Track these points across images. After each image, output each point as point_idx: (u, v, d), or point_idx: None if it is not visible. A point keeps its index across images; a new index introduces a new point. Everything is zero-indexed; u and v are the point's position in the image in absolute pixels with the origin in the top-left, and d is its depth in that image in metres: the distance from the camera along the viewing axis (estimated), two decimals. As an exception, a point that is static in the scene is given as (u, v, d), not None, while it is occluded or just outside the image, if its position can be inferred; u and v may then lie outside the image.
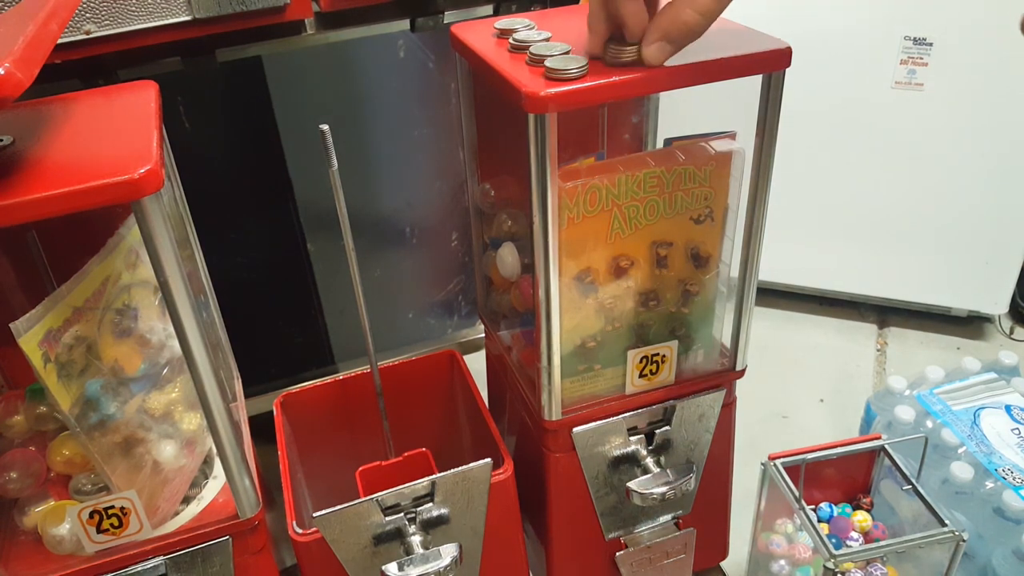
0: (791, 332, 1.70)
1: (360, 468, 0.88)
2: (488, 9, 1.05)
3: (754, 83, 0.72)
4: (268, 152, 1.15)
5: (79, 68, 0.86)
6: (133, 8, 0.82)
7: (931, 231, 1.56)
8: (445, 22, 1.04)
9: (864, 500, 1.07)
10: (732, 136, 0.79)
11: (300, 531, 0.77)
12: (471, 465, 0.78)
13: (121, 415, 0.69)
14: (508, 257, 0.89)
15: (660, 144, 0.87)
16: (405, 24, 1.02)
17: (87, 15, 0.80)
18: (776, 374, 1.58)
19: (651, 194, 0.77)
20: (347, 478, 0.89)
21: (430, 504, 0.79)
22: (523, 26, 0.77)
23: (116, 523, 0.69)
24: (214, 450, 0.78)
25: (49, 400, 0.65)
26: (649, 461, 0.87)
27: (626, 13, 0.62)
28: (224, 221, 1.16)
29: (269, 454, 0.88)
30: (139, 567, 0.72)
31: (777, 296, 1.77)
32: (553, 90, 0.63)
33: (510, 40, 0.73)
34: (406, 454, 0.89)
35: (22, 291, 0.81)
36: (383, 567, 0.76)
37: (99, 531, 0.69)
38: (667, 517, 0.94)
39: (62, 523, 0.70)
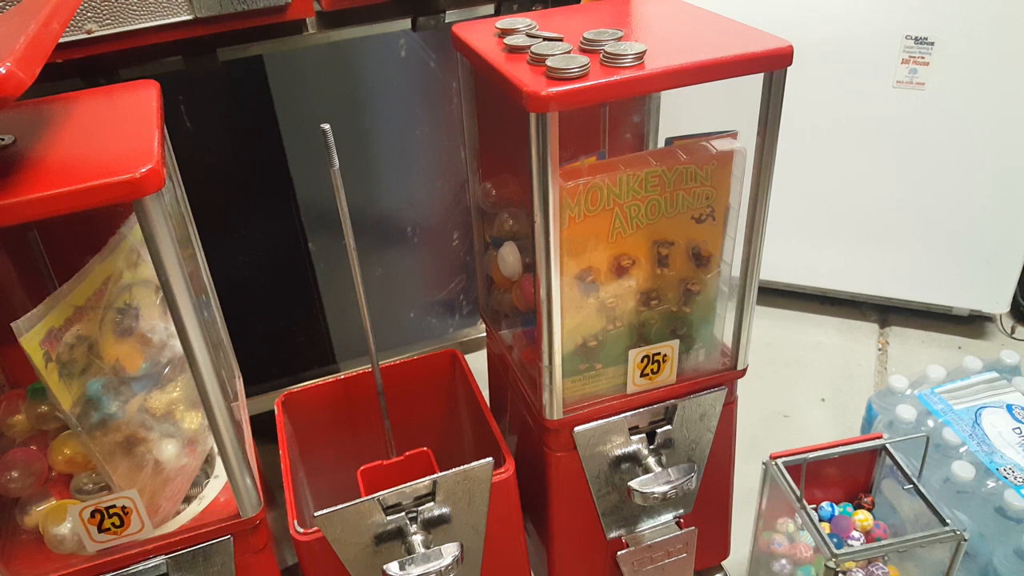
0: (792, 331, 1.70)
1: (361, 467, 0.88)
2: (489, 8, 1.05)
3: (755, 82, 0.72)
4: (269, 151, 1.15)
5: (80, 67, 0.86)
6: (134, 7, 0.82)
7: (932, 230, 1.55)
8: (446, 21, 1.04)
9: (865, 499, 1.07)
10: (733, 135, 0.79)
11: (301, 530, 0.77)
12: (472, 464, 0.78)
13: (122, 414, 0.69)
14: (509, 256, 0.89)
15: (661, 143, 0.87)
16: (406, 23, 1.02)
17: (88, 14, 0.80)
18: (777, 373, 1.57)
19: (652, 193, 0.77)
20: (348, 477, 0.89)
21: (431, 503, 0.79)
22: (524, 25, 0.77)
23: (117, 522, 0.69)
24: (215, 449, 0.78)
25: (50, 399, 0.65)
26: (650, 460, 0.87)
27: None
28: (225, 220, 1.16)
29: (270, 453, 0.88)
30: (140, 566, 0.72)
31: (778, 295, 1.77)
32: (554, 89, 0.63)
33: (511, 40, 0.73)
34: (407, 453, 0.90)
35: (23, 290, 0.81)
36: (384, 566, 0.76)
37: (100, 530, 0.69)
38: (668, 516, 0.94)
39: (63, 522, 0.70)
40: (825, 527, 1.02)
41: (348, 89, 1.17)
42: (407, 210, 1.30)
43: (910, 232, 1.57)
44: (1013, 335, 1.67)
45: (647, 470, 0.86)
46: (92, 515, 0.68)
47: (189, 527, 0.73)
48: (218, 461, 0.80)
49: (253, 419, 0.93)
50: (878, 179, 1.54)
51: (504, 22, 0.79)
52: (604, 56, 0.67)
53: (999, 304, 1.60)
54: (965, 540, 0.90)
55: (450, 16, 1.04)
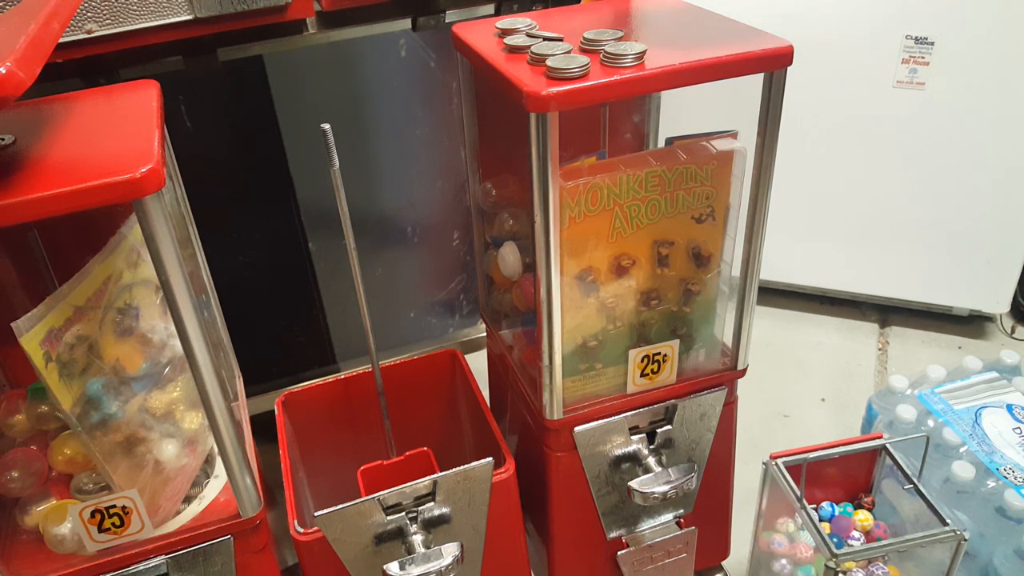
0: (792, 331, 1.70)
1: (361, 467, 0.88)
2: (489, 8, 1.05)
3: (755, 82, 0.72)
4: (269, 151, 1.15)
5: (80, 67, 0.86)
6: (135, 7, 0.82)
7: (932, 230, 1.55)
8: (446, 21, 1.04)
9: (866, 499, 1.07)
10: (734, 135, 0.79)
11: (302, 530, 0.77)
12: (473, 464, 0.78)
13: (122, 414, 0.69)
14: (509, 256, 0.89)
15: (662, 143, 0.87)
16: (406, 23, 1.02)
17: (89, 14, 0.80)
18: (777, 373, 1.57)
19: (652, 193, 0.77)
20: (348, 477, 0.89)
21: (431, 503, 0.79)
22: (524, 25, 0.77)
23: (117, 522, 0.69)
24: (215, 449, 0.78)
25: (50, 399, 0.65)
26: (651, 460, 0.87)
27: None
28: (225, 220, 1.16)
29: (270, 453, 0.88)
30: (140, 566, 0.72)
31: (778, 295, 1.77)
32: (555, 89, 0.63)
33: (511, 40, 0.73)
34: (407, 453, 0.89)
35: (23, 290, 0.81)
36: (384, 566, 0.76)
37: (100, 530, 0.69)
38: (668, 516, 0.94)
39: (64, 522, 0.70)
40: (825, 527, 1.02)
41: (348, 89, 1.17)
42: (407, 210, 1.30)
43: (910, 232, 1.57)
44: (1013, 335, 1.67)
45: (647, 470, 0.86)
46: (92, 515, 0.68)
47: (189, 527, 0.73)
48: (218, 461, 0.80)
49: (253, 419, 0.93)
50: (878, 179, 1.54)
51: (504, 22, 0.79)
52: (604, 56, 0.67)
53: (999, 304, 1.60)
54: (965, 540, 0.90)
55: (450, 16, 1.04)
